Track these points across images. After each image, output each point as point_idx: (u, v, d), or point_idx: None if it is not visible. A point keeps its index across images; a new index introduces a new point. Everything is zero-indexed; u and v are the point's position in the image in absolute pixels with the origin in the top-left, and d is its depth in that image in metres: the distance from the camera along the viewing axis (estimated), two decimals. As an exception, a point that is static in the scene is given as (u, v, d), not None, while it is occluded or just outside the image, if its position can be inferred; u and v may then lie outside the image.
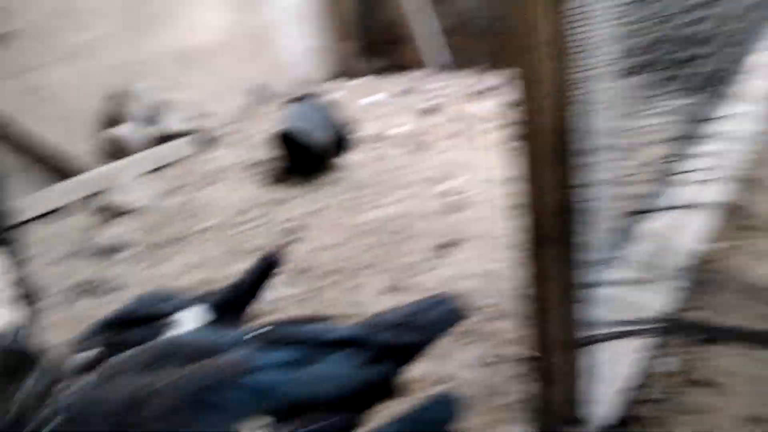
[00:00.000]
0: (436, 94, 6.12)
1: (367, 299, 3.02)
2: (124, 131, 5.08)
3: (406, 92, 6.30)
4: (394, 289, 3.07)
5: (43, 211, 4.37)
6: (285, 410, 1.68)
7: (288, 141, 4.45)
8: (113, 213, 4.38)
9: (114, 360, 1.79)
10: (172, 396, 1.62)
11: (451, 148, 4.90)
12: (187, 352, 1.75)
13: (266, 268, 2.36)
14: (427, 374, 2.36)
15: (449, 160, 4.63)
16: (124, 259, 3.84)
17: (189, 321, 2.13)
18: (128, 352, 1.83)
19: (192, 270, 3.59)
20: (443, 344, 2.62)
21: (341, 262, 3.39)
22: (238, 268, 3.54)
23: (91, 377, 1.67)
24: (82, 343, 1.96)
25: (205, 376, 1.65)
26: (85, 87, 5.05)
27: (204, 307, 2.21)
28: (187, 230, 4.05)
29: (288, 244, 3.58)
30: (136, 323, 2.08)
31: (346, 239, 3.63)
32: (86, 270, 3.72)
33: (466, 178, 4.26)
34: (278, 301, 2.91)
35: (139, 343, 2.00)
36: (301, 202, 4.16)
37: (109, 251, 3.92)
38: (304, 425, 1.68)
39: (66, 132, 4.86)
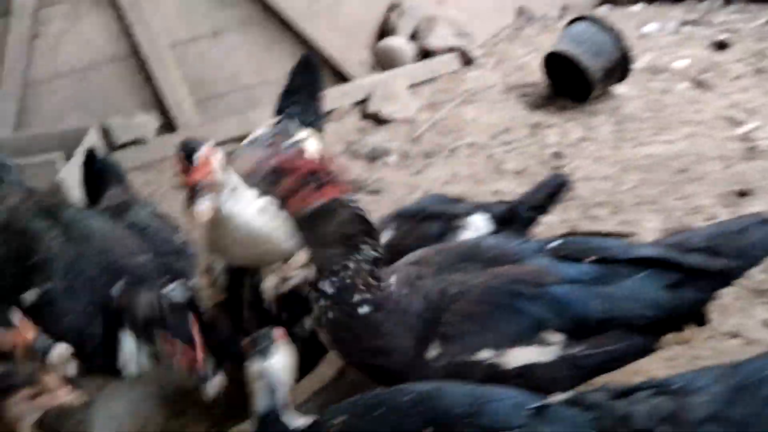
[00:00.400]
0: (725, 28, 5.37)
1: (638, 239, 2.81)
2: (396, 43, 5.24)
3: (689, 23, 5.63)
4: (671, 232, 2.81)
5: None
6: (582, 326, 1.63)
7: (560, 63, 4.23)
8: (380, 120, 4.60)
9: (416, 254, 1.88)
10: (480, 296, 1.66)
11: (742, 89, 4.29)
12: (488, 255, 1.77)
13: (556, 188, 2.30)
14: (715, 324, 2.14)
15: (739, 101, 4.07)
16: (388, 164, 4.03)
17: (476, 226, 2.16)
18: (429, 249, 1.91)
19: (451, 182, 3.66)
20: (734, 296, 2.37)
21: (610, 196, 3.19)
22: (497, 187, 3.57)
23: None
24: (383, 226, 2.09)
25: (511, 282, 1.66)
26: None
27: (487, 215, 2.22)
28: (448, 144, 4.11)
29: (555, 169, 3.46)
30: (429, 218, 2.16)
31: (616, 172, 3.40)
32: (354, 169, 3.99)
33: (758, 124, 3.72)
34: (547, 225, 2.83)
35: (429, 237, 2.08)
36: (568, 129, 3.97)
37: (375, 155, 4.14)
38: (600, 344, 1.62)
39: (346, 40, 5.15)
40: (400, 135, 4.35)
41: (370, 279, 1.67)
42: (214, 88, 4.96)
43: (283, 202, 1.75)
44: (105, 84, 4.67)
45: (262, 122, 2.81)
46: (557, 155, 3.69)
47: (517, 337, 1.61)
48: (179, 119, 4.76)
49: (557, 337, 1.62)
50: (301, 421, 1.58)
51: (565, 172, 2.50)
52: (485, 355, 1.61)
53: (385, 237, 2.07)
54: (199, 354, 1.85)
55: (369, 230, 1.68)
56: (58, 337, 1.94)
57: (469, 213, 2.23)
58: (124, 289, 1.93)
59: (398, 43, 5.26)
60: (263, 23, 4.97)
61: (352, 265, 1.65)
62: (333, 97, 4.89)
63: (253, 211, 2.04)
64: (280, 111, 2.65)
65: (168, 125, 4.79)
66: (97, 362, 1.97)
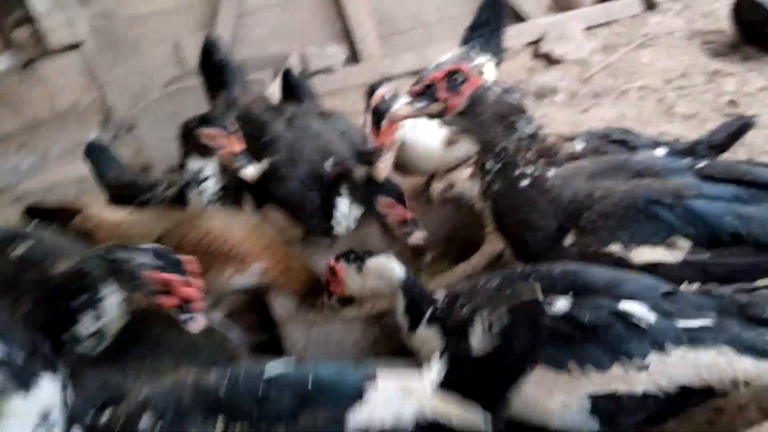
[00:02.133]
0: None
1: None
2: (575, -15, 5.25)
3: None
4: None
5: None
6: (713, 238, 1.80)
7: (752, 11, 4.06)
8: (551, 60, 4.72)
9: (577, 162, 2.13)
10: (620, 200, 1.88)
11: None
12: (637, 168, 1.98)
13: (738, 129, 2.34)
14: None
15: None
16: (554, 103, 4.19)
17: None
18: (588, 159, 2.15)
19: (617, 122, 3.73)
20: None
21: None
22: (664, 129, 3.61)
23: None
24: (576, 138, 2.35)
25: (651, 191, 1.86)
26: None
27: (667, 150, 2.35)
28: (619, 86, 4.16)
29: (728, 116, 3.43)
30: (615, 142, 2.36)
31: (794, 123, 3.30)
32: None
33: None
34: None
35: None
36: (748, 78, 3.85)
37: (542, 93, 4.30)
38: (726, 255, 1.78)
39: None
40: (570, 75, 4.45)
41: (529, 155, 1.93)
42: (396, 24, 5.34)
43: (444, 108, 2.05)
44: (303, 16, 5.22)
45: (439, 57, 3.13)
46: (732, 103, 3.63)
47: (647, 237, 1.81)
48: (364, 52, 5.21)
49: (685, 243, 1.79)
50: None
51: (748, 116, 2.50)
52: (615, 248, 1.83)
53: (576, 147, 2.34)
54: (408, 211, 2.28)
55: (520, 110, 1.91)
56: (281, 201, 2.49)
57: (651, 146, 2.39)
58: (339, 163, 2.40)
59: (576, -16, 5.26)
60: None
61: (511, 143, 1.92)
62: (506, 36, 5.06)
63: (429, 138, 2.55)
64: (464, 42, 2.94)
65: (354, 56, 5.26)
66: (314, 223, 2.47)
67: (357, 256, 2.01)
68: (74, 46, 5.10)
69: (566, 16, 5.08)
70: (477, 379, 1.43)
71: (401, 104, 2.01)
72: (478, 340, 1.41)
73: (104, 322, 1.71)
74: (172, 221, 2.39)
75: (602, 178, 1.97)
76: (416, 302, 1.89)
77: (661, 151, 2.35)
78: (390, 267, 1.93)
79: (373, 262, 1.98)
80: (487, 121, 1.91)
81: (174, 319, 1.77)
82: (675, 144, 2.42)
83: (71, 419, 1.42)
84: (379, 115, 2.40)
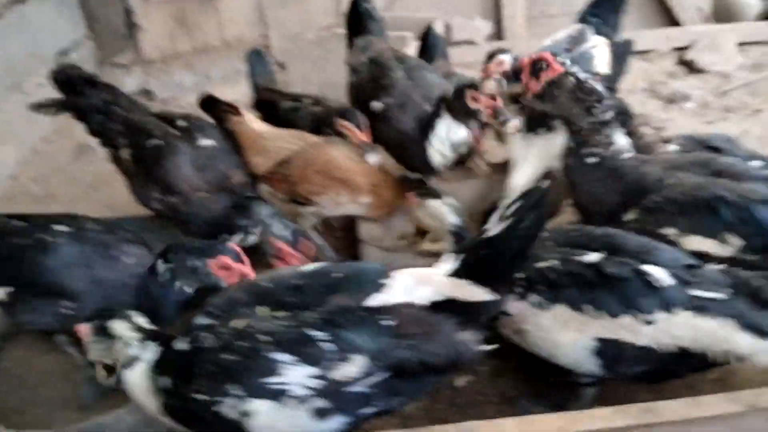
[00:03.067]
0: None
1: None
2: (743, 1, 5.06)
3: None
4: None
5: (642, 47, 4.88)
6: (766, 245, 1.89)
7: None
8: (694, 68, 4.64)
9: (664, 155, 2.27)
10: (686, 190, 2.01)
11: None
12: (716, 168, 2.10)
13: None
14: None
15: None
16: (683, 110, 4.16)
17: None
18: (672, 154, 2.28)
19: (742, 138, 3.66)
20: None
21: None
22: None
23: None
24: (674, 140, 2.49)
25: (721, 188, 1.97)
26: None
27: (762, 163, 2.39)
28: (753, 105, 4.07)
29: None
30: (712, 149, 2.44)
31: None
32: (648, 106, 4.21)
33: None
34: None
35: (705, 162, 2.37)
36: None
37: (674, 99, 4.27)
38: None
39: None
40: (708, 86, 4.38)
41: (601, 138, 2.14)
42: (547, 8, 5.43)
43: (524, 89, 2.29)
44: (459, -13, 5.45)
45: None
46: None
47: (702, 228, 1.94)
48: (508, 30, 5.37)
49: (737, 241, 1.90)
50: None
51: None
52: (670, 231, 1.98)
53: (670, 148, 2.46)
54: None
55: (598, 98, 2.11)
56: (389, 140, 2.81)
57: (747, 158, 2.44)
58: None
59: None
60: (611, -45, 5.20)
61: (585, 125, 2.13)
62: (655, 38, 5.02)
63: None
64: (582, 19, 3.05)
65: (498, 34, 5.43)
66: (414, 156, 2.78)
67: (425, 192, 2.25)
68: (252, -15, 5.68)
69: (721, 27, 4.93)
70: (488, 257, 1.61)
71: (491, 85, 2.31)
72: (493, 223, 1.62)
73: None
74: (305, 143, 2.73)
75: (680, 170, 2.13)
76: (461, 248, 2.05)
77: (756, 163, 2.40)
78: (442, 212, 2.16)
79: (431, 203, 2.21)
80: (564, 103, 2.13)
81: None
82: None
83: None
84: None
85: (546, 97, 2.17)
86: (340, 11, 5.64)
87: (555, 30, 5.43)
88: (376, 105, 2.83)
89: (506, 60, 2.92)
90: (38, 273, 2.26)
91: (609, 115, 2.13)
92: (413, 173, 2.86)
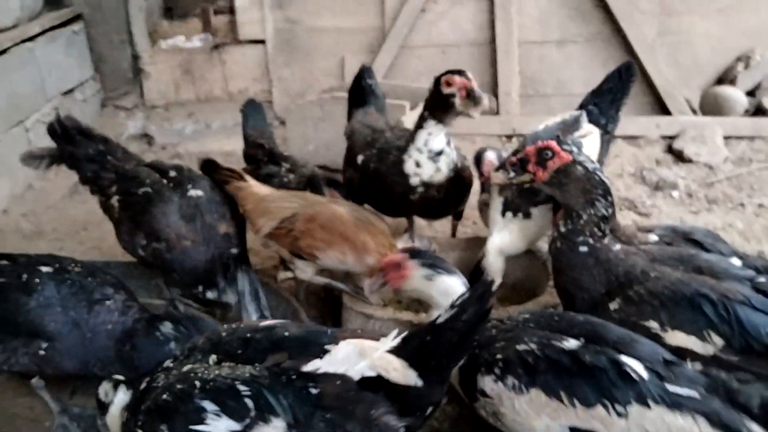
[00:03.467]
0: None
1: None
2: (731, 93, 5.25)
3: None
4: None
5: (632, 133, 5.08)
6: (746, 345, 1.92)
7: None
8: (682, 158, 4.78)
9: (646, 247, 2.32)
10: (670, 285, 2.04)
11: None
12: (698, 265, 2.15)
13: None
14: None
15: None
16: (669, 197, 4.27)
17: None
18: (658, 247, 2.34)
19: (722, 231, 3.77)
20: None
21: None
22: (766, 249, 3.60)
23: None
24: (654, 229, 2.54)
25: (703, 286, 2.01)
26: (720, 43, 5.40)
27: (741, 261, 2.44)
28: (738, 198, 4.18)
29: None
30: (693, 242, 2.50)
31: None
32: (635, 192, 4.32)
33: None
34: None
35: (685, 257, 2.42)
36: None
37: (661, 186, 4.39)
38: (754, 364, 1.89)
39: (681, 76, 5.37)
40: (694, 176, 4.51)
41: (596, 230, 2.17)
42: (541, 88, 5.62)
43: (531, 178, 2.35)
44: (457, 61, 5.63)
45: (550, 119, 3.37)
46: None
47: (684, 324, 1.96)
48: (503, 106, 5.53)
49: (719, 341, 1.93)
50: None
51: None
52: (653, 324, 2.00)
53: (650, 238, 2.51)
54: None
55: (604, 192, 2.15)
56: (371, 186, 2.93)
57: (729, 254, 2.46)
58: None
59: (734, 93, 5.27)
60: (607, 42, 5.44)
61: (585, 216, 2.17)
62: (646, 125, 5.19)
63: None
64: (582, 106, 3.14)
65: (492, 110, 5.59)
66: (394, 197, 2.91)
67: (432, 264, 2.15)
68: (258, 42, 5.85)
69: (710, 120, 5.11)
70: (429, 344, 1.61)
71: (498, 172, 2.37)
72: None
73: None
74: (307, 201, 2.76)
75: (663, 264, 2.17)
76: None
77: (736, 261, 2.45)
78: (457, 292, 2.04)
79: (447, 281, 2.12)
80: (571, 191, 2.18)
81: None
82: (754, 259, 2.50)
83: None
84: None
85: (554, 185, 2.21)
86: (343, 74, 5.82)
87: (548, 109, 5.69)
88: (359, 158, 2.96)
89: (493, 158, 3.11)
90: (18, 313, 2.26)
91: (611, 210, 2.19)
92: (395, 216, 2.93)
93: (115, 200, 2.82)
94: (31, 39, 4.75)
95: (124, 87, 5.94)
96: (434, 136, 2.74)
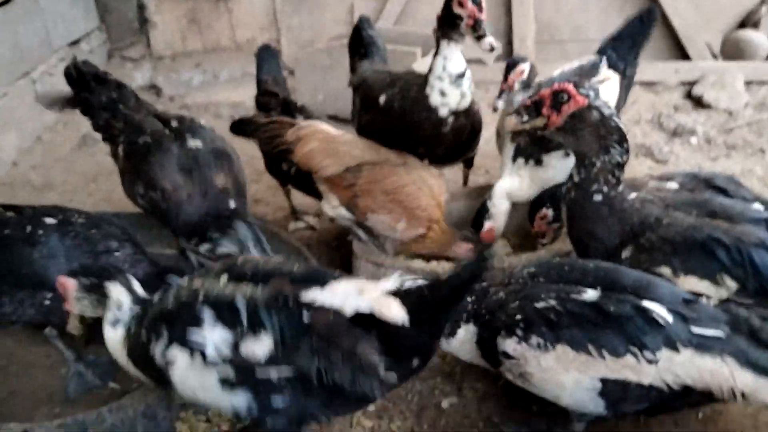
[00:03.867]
0: None
1: None
2: (754, 37, 5.08)
3: None
4: None
5: (649, 79, 4.92)
6: (761, 288, 1.88)
7: None
8: (701, 104, 4.65)
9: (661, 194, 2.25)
10: (683, 230, 2.00)
11: None
12: (713, 209, 2.08)
13: None
14: None
15: None
16: (687, 143, 4.17)
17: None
18: (678, 195, 2.26)
19: (741, 176, 3.68)
20: None
21: None
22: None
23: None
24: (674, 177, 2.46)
25: (716, 230, 1.97)
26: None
27: (763, 207, 2.37)
28: (758, 144, 4.06)
29: None
30: (715, 188, 2.41)
31: None
32: (652, 138, 4.22)
33: None
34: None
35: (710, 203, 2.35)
36: None
37: (679, 132, 4.28)
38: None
39: (702, 19, 5.17)
40: (713, 122, 4.39)
41: (610, 177, 2.10)
42: (557, 34, 5.46)
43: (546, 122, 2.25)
44: (470, 6, 5.47)
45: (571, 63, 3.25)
46: None
47: (697, 269, 1.93)
48: (519, 52, 5.38)
49: (732, 284, 1.89)
50: None
51: None
52: (665, 271, 1.96)
53: (670, 185, 2.37)
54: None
55: (620, 138, 2.07)
56: (396, 125, 2.75)
57: (751, 200, 2.41)
58: None
59: (756, 37, 5.09)
60: (625, -15, 5.25)
61: (599, 163, 2.09)
62: (664, 70, 5.04)
63: None
64: (600, 51, 3.03)
65: (507, 55, 5.45)
66: (421, 133, 2.71)
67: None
68: (266, -11, 5.70)
69: (731, 65, 4.95)
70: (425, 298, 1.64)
71: (510, 117, 2.26)
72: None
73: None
74: (379, 156, 2.68)
75: (677, 210, 2.11)
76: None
77: (757, 206, 2.38)
78: None
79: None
80: (585, 137, 2.09)
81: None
82: None
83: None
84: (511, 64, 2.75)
85: (568, 131, 2.12)
86: (352, 22, 5.68)
87: (564, 55, 5.54)
88: (382, 98, 2.83)
89: (526, 69, 2.90)
90: (22, 264, 2.26)
91: (626, 158, 2.11)
92: (423, 157, 2.82)
93: (120, 149, 2.79)
94: (34, -12, 4.66)
95: (130, 37, 5.84)
96: (450, 58, 2.59)
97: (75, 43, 5.21)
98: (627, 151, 2.11)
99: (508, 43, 5.45)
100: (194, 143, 2.71)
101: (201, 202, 2.61)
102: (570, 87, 2.12)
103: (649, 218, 2.08)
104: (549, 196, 2.74)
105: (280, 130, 2.76)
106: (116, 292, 1.93)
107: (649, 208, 2.13)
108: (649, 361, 1.70)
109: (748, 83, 4.78)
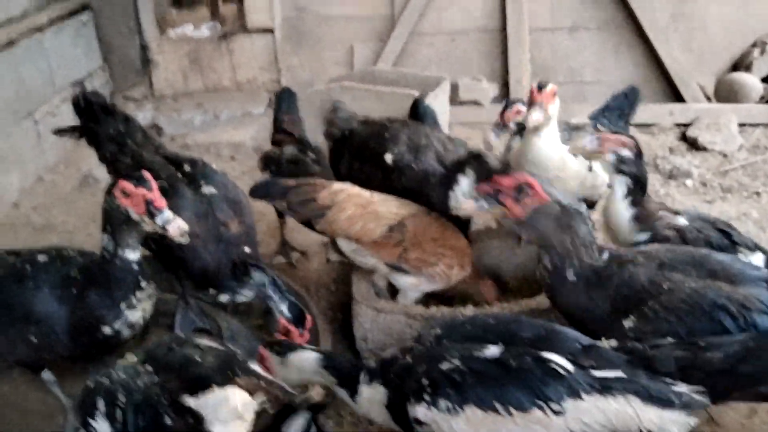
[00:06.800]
0: None
1: None
2: (747, 80, 5.16)
3: None
4: None
5: (644, 120, 4.98)
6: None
7: None
8: (696, 146, 4.71)
9: (651, 246, 2.27)
10: (689, 296, 1.98)
11: None
12: (712, 268, 2.08)
13: None
14: None
15: None
16: (683, 186, 4.22)
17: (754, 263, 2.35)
18: (664, 246, 2.28)
19: (737, 220, 3.72)
20: None
21: None
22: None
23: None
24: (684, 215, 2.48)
25: (720, 296, 1.97)
26: (735, 28, 5.31)
27: (765, 257, 2.40)
28: (753, 186, 4.12)
29: None
30: (716, 230, 2.44)
31: None
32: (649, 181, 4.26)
33: None
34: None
35: (708, 242, 2.38)
36: None
37: (674, 175, 4.33)
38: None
39: (694, 63, 5.29)
40: (708, 164, 4.45)
41: (582, 255, 2.11)
42: (552, 75, 5.54)
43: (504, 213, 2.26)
44: (468, 50, 5.58)
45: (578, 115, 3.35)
46: None
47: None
48: (514, 94, 5.46)
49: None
50: None
51: None
52: (671, 341, 1.90)
53: (679, 221, 2.44)
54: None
55: (582, 219, 2.11)
56: (406, 185, 2.83)
57: (752, 248, 2.42)
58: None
59: (749, 80, 5.19)
60: (620, 28, 5.37)
61: (569, 245, 2.10)
62: (658, 112, 5.13)
63: (555, 147, 2.71)
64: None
65: (503, 96, 5.54)
66: (435, 198, 2.76)
67: (279, 349, 2.10)
68: (266, 30, 5.79)
69: (725, 107, 5.03)
70: None
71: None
72: None
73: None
74: (411, 209, 2.71)
75: (674, 270, 2.09)
76: (345, 372, 2.02)
77: (759, 258, 2.40)
78: (304, 357, 2.04)
79: (294, 357, 2.05)
80: (547, 232, 2.12)
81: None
82: None
83: None
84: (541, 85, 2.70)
85: (530, 224, 2.14)
86: (351, 64, 5.78)
87: (559, 97, 5.58)
88: (388, 156, 2.87)
89: (523, 109, 2.92)
90: (11, 300, 2.25)
91: (591, 238, 2.14)
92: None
93: None
94: (39, 29, 4.74)
95: (132, 77, 5.92)
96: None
97: (78, 83, 5.27)
98: (585, 220, 2.14)
99: (504, 85, 5.54)
100: (209, 190, 2.67)
101: (216, 249, 2.57)
102: (536, 182, 2.16)
103: (637, 280, 2.07)
104: None
105: (313, 193, 2.73)
106: None
107: (635, 269, 2.10)
108: (556, 413, 1.70)
109: (741, 125, 4.86)
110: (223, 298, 2.54)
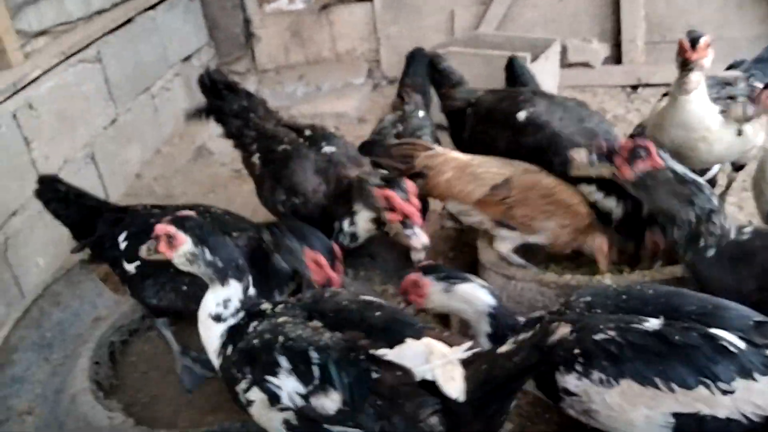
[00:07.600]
0: None
1: None
2: None
3: None
4: None
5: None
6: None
7: None
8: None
9: None
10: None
11: None
12: None
13: None
14: None
15: None
16: None
17: None
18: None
19: None
20: None
21: None
22: None
23: None
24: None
25: None
26: None
27: None
28: None
29: None
30: None
31: None
32: None
33: None
34: None
35: None
36: None
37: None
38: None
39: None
40: None
41: (710, 227, 2.01)
42: (668, 34, 5.21)
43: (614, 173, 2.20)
44: (576, 9, 5.33)
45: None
46: None
47: None
48: (626, 54, 5.20)
49: None
50: None
51: None
52: None
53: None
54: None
55: (698, 187, 2.01)
56: (536, 145, 2.80)
57: None
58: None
59: None
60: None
61: (693, 217, 2.02)
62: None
63: (706, 109, 2.47)
64: (745, 68, 2.88)
65: (614, 58, 5.28)
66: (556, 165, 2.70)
67: (446, 276, 2.04)
68: (367, 0, 5.76)
69: None
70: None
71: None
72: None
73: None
74: (517, 169, 2.67)
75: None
76: (502, 328, 1.98)
77: None
78: (477, 295, 1.99)
79: (463, 288, 2.00)
80: (660, 196, 2.06)
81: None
82: None
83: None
84: (694, 37, 2.41)
85: (640, 188, 2.11)
86: (452, 28, 5.65)
87: (673, 56, 5.26)
88: (522, 114, 2.86)
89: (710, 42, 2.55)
90: None
91: (715, 201, 2.03)
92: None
93: (256, 158, 2.91)
94: (152, 7, 4.89)
95: (236, 52, 6.04)
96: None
97: (187, 58, 5.43)
98: (712, 196, 2.04)
99: (616, 45, 5.27)
100: (329, 149, 2.82)
101: (335, 204, 2.70)
102: (651, 145, 2.11)
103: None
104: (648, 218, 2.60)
105: (412, 151, 2.78)
106: (232, 288, 1.89)
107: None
108: (724, 392, 1.59)
109: None
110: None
